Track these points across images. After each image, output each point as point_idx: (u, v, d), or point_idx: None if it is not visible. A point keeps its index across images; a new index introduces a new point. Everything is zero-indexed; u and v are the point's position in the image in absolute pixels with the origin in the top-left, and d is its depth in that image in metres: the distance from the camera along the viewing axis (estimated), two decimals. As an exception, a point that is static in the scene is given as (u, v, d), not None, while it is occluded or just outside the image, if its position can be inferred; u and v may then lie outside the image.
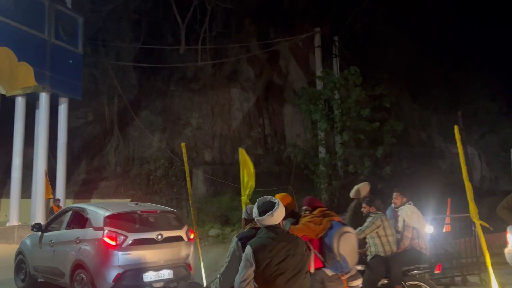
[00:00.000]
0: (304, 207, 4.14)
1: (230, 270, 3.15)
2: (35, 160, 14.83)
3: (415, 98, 22.93)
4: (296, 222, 3.89)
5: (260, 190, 15.29)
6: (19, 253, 8.03)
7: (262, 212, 2.88)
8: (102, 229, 6.14)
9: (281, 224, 3.04)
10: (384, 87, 13.44)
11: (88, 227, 6.45)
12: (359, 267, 4.69)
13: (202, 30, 20.32)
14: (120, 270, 5.98)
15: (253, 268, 2.78)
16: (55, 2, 15.08)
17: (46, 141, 14.78)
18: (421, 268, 5.11)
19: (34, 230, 7.61)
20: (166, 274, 6.32)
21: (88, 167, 17.77)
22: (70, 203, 16.14)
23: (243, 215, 3.59)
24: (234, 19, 20.66)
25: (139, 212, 6.65)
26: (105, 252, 6.04)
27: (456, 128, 4.97)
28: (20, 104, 14.93)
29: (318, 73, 15.09)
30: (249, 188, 6.46)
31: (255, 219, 2.99)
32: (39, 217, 14.18)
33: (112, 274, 5.95)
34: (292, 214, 3.96)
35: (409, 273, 5.08)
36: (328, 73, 14.14)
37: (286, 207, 3.31)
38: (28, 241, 7.93)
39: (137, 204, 7.12)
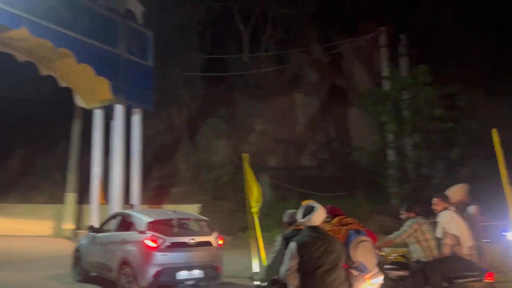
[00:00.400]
0: (325, 215, 4.36)
1: (275, 263, 3.77)
2: (111, 169, 15.83)
3: (491, 95, 21.44)
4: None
5: (326, 195, 15.17)
6: (76, 250, 9.43)
7: (304, 215, 3.50)
8: (144, 232, 7.32)
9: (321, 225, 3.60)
10: (457, 85, 12.74)
11: (133, 231, 7.64)
12: (402, 273, 5.05)
13: (264, 37, 20.58)
14: (159, 268, 7.06)
15: (297, 260, 3.33)
16: (127, 19, 16.09)
17: (122, 150, 15.73)
18: (467, 276, 4.81)
19: (89, 231, 9.10)
20: (197, 273, 7.31)
21: (160, 174, 18.63)
22: (145, 208, 17.06)
23: (284, 219, 4.29)
24: (295, 24, 20.70)
25: (175, 219, 7.82)
26: (147, 252, 7.18)
27: (494, 131, 4.74)
28: (98, 116, 16.05)
29: (385, 73, 14.68)
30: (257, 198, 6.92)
31: (298, 221, 3.59)
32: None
33: (152, 270, 7.07)
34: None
35: (454, 280, 4.82)
36: (396, 73, 13.68)
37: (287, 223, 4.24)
38: (84, 241, 9.36)
39: (174, 212, 8.23)
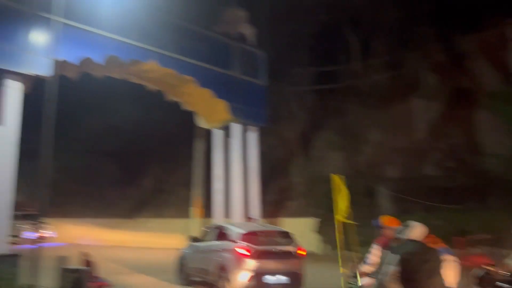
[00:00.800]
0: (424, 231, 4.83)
1: (379, 273, 4.14)
2: (230, 184, 16.66)
3: None
4: None
5: (455, 207, 13.91)
6: (181, 258, 10.83)
7: (405, 230, 3.97)
8: (238, 242, 8.63)
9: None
10: None
11: (228, 240, 8.95)
12: None
13: (375, 44, 19.93)
14: (250, 273, 8.25)
15: (399, 269, 3.71)
16: (240, 42, 17.02)
17: (240, 166, 16.52)
18: None
19: (192, 241, 10.50)
20: (282, 279, 8.40)
21: (276, 188, 19.04)
22: (264, 222, 17.55)
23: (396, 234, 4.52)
24: (409, 26, 19.65)
25: (263, 231, 9.12)
26: (240, 259, 8.42)
27: None
28: (218, 135, 17.12)
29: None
30: (344, 209, 7.71)
31: (401, 234, 3.99)
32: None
33: (245, 275, 8.26)
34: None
35: None
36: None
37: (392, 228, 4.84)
38: (187, 250, 10.77)
39: (262, 225, 9.93)
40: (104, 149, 26.99)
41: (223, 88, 15.91)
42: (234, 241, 8.74)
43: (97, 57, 12.40)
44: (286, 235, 9.15)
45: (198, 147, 19.88)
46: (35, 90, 12.08)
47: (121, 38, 12.93)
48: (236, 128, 16.48)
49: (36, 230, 8.94)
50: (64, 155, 27.25)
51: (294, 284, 8.51)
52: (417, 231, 3.93)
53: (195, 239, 10.51)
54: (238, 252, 8.47)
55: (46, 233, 24.37)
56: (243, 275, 8.27)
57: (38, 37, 11.04)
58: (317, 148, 19.35)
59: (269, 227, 10.04)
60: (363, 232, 11.58)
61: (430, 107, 18.83)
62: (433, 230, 6.69)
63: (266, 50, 18.06)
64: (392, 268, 3.72)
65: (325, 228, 15.73)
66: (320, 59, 20.75)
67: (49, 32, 10.92)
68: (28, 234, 21.65)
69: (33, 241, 11.47)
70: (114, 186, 25.51)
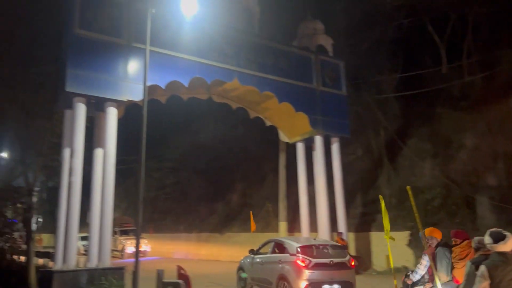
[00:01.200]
0: (453, 239, 5.41)
1: (467, 286, 4.12)
2: (317, 197, 16.46)
3: None
4: (450, 249, 5.52)
5: None
6: (240, 268, 11.98)
7: (496, 241, 3.84)
8: (296, 255, 9.60)
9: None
10: None
11: (287, 253, 9.96)
12: None
13: (465, 43, 18.58)
14: (308, 282, 9.20)
15: (488, 282, 3.70)
16: (319, 53, 16.95)
17: (324, 179, 16.26)
18: None
19: (250, 253, 11.53)
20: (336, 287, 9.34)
21: (363, 200, 18.40)
22: (351, 236, 17.02)
23: (473, 245, 4.67)
24: (503, 21, 18.04)
25: (317, 245, 9.91)
26: (299, 270, 9.40)
27: None
28: (300, 148, 17.08)
29: None
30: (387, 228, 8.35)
31: (488, 246, 3.94)
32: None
33: (303, 284, 9.21)
34: (443, 244, 5.66)
35: None
36: None
37: (436, 238, 5.65)
38: (245, 260, 11.83)
39: (315, 239, 10.64)
40: (193, 166, 28.41)
41: (304, 101, 15.92)
42: (292, 254, 9.73)
43: (183, 80, 13.14)
44: (338, 248, 10.25)
45: (282, 161, 20.00)
46: (126, 114, 13.17)
47: (203, 60, 13.59)
48: (318, 140, 16.33)
49: (134, 245, 9.59)
50: (157, 174, 29.21)
51: None
52: (510, 242, 3.84)
53: (253, 252, 11.53)
54: (297, 264, 9.46)
55: (143, 247, 26.24)
56: (302, 285, 9.22)
57: (132, 66, 12.06)
58: (406, 157, 18.37)
59: (323, 241, 10.97)
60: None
61: (534, 106, 16.96)
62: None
63: (346, 59, 17.77)
64: (479, 283, 3.76)
65: (416, 241, 14.79)
66: (404, 65, 19.86)
67: (140, 60, 11.87)
68: (129, 248, 23.43)
69: (132, 255, 12.32)
70: (204, 201, 26.62)
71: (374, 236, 16.62)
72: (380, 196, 8.03)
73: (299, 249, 9.60)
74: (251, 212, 17.74)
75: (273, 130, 18.29)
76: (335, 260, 9.61)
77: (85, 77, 11.19)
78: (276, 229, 19.77)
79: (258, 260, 11.08)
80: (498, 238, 3.84)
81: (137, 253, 9.17)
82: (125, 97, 11.79)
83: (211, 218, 25.54)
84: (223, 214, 25.06)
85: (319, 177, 16.27)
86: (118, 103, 11.86)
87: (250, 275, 11.29)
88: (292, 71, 15.84)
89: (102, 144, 11.63)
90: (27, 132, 12.61)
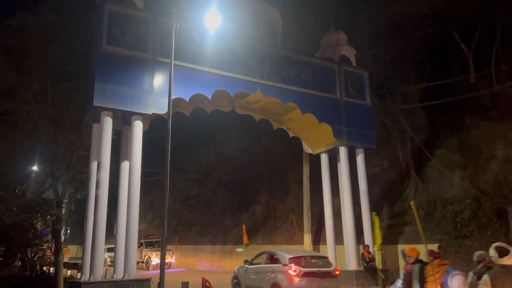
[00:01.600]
0: (429, 257, 6.25)
1: None
2: (342, 209, 16.23)
3: None
4: (423, 266, 6.23)
5: None
6: (235, 277, 13.16)
7: (500, 255, 4.29)
8: (287, 265, 10.85)
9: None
10: None
11: (279, 263, 11.18)
12: None
13: (494, 51, 18.12)
14: None
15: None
16: (342, 64, 16.86)
17: (349, 190, 16.03)
18: None
19: (245, 264, 12.75)
20: None
21: (390, 213, 18.02)
22: (380, 247, 16.63)
23: (474, 259, 5.38)
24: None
25: (306, 256, 11.32)
26: (290, 278, 10.62)
27: None
28: (324, 160, 16.93)
29: None
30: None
31: (492, 259, 4.40)
32: (352, 261, 15.18)
33: None
34: (418, 261, 6.35)
35: None
36: None
37: (412, 256, 6.43)
38: (240, 270, 13.03)
39: (304, 251, 12.84)
40: (217, 178, 28.56)
41: (327, 112, 15.82)
42: (284, 264, 10.93)
43: (206, 93, 13.29)
44: (325, 258, 11.71)
45: (306, 173, 19.86)
46: (151, 127, 13.39)
47: (226, 73, 13.73)
48: (343, 152, 16.15)
49: (160, 256, 9.65)
50: (182, 185, 29.46)
51: None
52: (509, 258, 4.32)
53: (248, 262, 12.73)
54: (288, 273, 10.64)
55: (168, 259, 26.39)
56: None
57: (157, 80, 12.30)
58: (434, 168, 17.92)
59: (311, 252, 12.40)
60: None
61: None
62: None
63: (370, 69, 17.61)
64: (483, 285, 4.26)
65: (449, 255, 14.33)
66: (431, 74, 19.51)
67: (165, 74, 12.09)
68: (155, 260, 23.62)
69: (158, 267, 12.40)
70: (228, 213, 26.66)
71: (401, 249, 16.21)
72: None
73: (290, 260, 10.88)
74: (243, 226, 18.42)
75: (296, 142, 18.22)
76: (322, 269, 11.01)
77: (112, 92, 11.47)
78: (300, 241, 19.56)
79: (252, 269, 12.29)
80: (503, 253, 4.31)
81: (162, 265, 9.22)
82: (150, 110, 12.00)
83: (235, 230, 25.50)
84: (247, 226, 25.01)
85: (344, 188, 16.06)
86: (143, 117, 12.09)
87: (244, 283, 12.42)
88: (315, 82, 15.80)
89: (128, 157, 11.84)
90: (56, 145, 12.98)
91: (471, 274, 4.85)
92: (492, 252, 4.41)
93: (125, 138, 12.17)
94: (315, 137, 16.87)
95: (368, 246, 15.39)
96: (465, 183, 16.75)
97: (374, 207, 16.94)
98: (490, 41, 18.52)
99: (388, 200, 18.55)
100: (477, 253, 5.46)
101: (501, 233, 14.47)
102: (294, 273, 10.57)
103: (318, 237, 19.24)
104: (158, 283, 9.22)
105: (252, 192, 25.67)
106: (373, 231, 14.40)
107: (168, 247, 24.42)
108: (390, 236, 17.19)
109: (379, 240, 13.77)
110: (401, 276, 6.57)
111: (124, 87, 11.71)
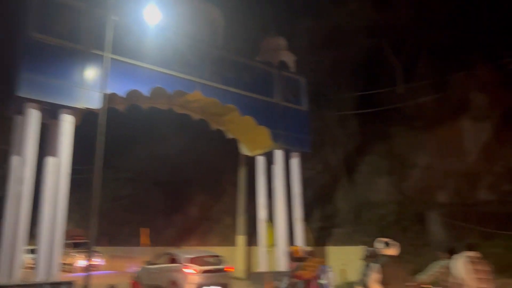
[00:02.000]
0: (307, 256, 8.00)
1: (362, 279, 5.91)
2: (275, 211, 16.47)
3: None
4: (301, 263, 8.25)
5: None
6: (137, 277, 13.84)
7: (385, 247, 5.56)
8: (185, 265, 11.91)
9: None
10: None
11: (178, 263, 12.16)
12: None
13: (420, 66, 19.47)
14: (195, 286, 11.55)
15: (380, 275, 5.33)
16: (281, 69, 17.19)
17: (283, 193, 16.34)
18: None
19: (147, 264, 13.59)
20: None
21: (321, 215, 18.65)
22: (310, 249, 17.11)
23: (367, 253, 6.58)
24: (456, 46, 19.10)
25: (202, 256, 12.48)
26: (188, 276, 11.73)
27: None
28: (260, 162, 17.12)
29: None
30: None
31: (379, 250, 5.58)
32: (283, 262, 15.48)
33: (191, 287, 11.58)
34: (299, 259, 7.94)
35: None
36: None
37: (295, 255, 8.84)
38: (141, 270, 13.89)
39: (201, 251, 13.60)
40: (151, 178, 27.79)
41: (266, 115, 16.02)
42: (183, 264, 11.94)
43: (143, 89, 12.90)
44: (218, 257, 12.77)
45: (242, 174, 19.96)
46: (84, 122, 12.74)
47: (166, 70, 13.43)
48: (279, 155, 16.44)
49: (87, 258, 9.18)
50: (113, 185, 28.32)
51: None
52: (392, 249, 5.55)
53: (149, 262, 13.63)
54: (185, 272, 11.75)
55: (96, 261, 25.20)
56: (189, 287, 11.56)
57: (90, 73, 11.70)
58: (363, 174, 18.87)
59: (208, 252, 13.42)
60: (414, 261, 11.02)
61: (481, 128, 17.98)
62: (491, 258, 6.33)
63: (308, 76, 18.10)
64: (374, 274, 5.36)
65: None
66: (363, 84, 20.53)
67: (99, 67, 11.55)
68: (81, 262, 22.41)
69: (84, 269, 11.79)
70: (161, 214, 26.04)
71: (331, 250, 16.83)
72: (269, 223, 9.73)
73: (187, 259, 12.01)
74: (141, 228, 18.61)
75: (234, 143, 18.26)
76: (215, 267, 12.25)
77: (39, 83, 10.74)
78: (234, 243, 19.61)
79: (153, 269, 13.19)
80: (387, 245, 5.54)
81: (88, 267, 8.79)
82: (81, 104, 11.40)
83: (168, 231, 25.00)
84: (181, 227, 24.62)
85: (278, 191, 16.33)
86: (74, 111, 11.44)
87: (146, 282, 13.30)
88: (254, 85, 15.95)
89: (55, 153, 11.14)
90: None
91: (363, 263, 6.26)
92: (378, 245, 5.58)
93: (53, 133, 11.44)
94: (253, 139, 17.01)
95: (299, 247, 15.75)
96: (390, 188, 17.81)
97: (307, 210, 17.43)
98: (417, 57, 19.88)
99: (320, 203, 19.19)
100: (369, 249, 6.66)
101: (421, 236, 15.54)
102: (190, 271, 11.75)
103: (253, 239, 19.40)
104: (84, 286, 8.77)
105: (186, 193, 25.32)
106: (267, 235, 16.24)
107: (97, 248, 23.31)
108: (320, 238, 17.80)
109: (270, 242, 16.07)
110: (286, 273, 7.72)
111: (53, 79, 11.00)
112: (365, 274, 5.77)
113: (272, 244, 15.56)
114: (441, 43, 19.13)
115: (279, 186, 16.32)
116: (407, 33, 19.67)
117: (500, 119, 17.94)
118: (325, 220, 18.64)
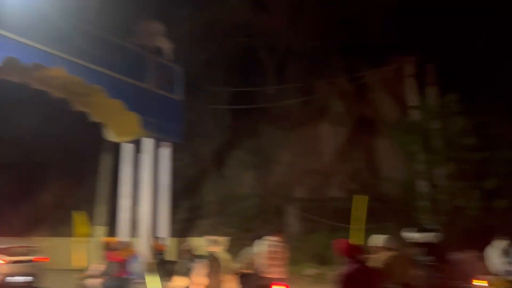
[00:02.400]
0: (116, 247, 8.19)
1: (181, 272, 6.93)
2: (139, 201, 15.92)
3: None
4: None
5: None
6: None
7: (210, 244, 6.22)
8: None
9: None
10: (489, 114, 12.42)
11: None
12: None
13: (289, 70, 20.81)
14: (3, 276, 11.81)
15: (208, 270, 5.93)
16: (156, 55, 16.63)
17: (151, 183, 15.89)
18: None
19: None
20: (27, 278, 12.25)
21: (188, 206, 18.66)
22: (174, 241, 16.98)
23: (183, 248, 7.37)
24: (322, 55, 20.87)
25: (15, 246, 12.87)
26: None
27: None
28: (127, 150, 16.36)
29: (412, 103, 14.48)
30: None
31: (205, 247, 6.19)
32: (145, 253, 15.06)
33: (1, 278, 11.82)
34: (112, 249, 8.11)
35: None
36: (425, 103, 13.48)
37: (110, 246, 8.23)
38: None
39: (17, 242, 13.74)
40: (-3, 159, 24.36)
41: (136, 100, 15.32)
42: None
43: (-8, 58, 11.23)
44: (30, 248, 13.24)
45: (105, 161, 18.79)
46: None
47: (23, 40, 11.89)
48: (148, 143, 15.90)
49: None
50: None
51: (35, 282, 12.50)
52: (218, 247, 6.01)
53: None
54: None
55: None
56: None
57: None
58: (230, 167, 19.43)
59: (21, 243, 13.71)
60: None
61: (337, 132, 20.01)
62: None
63: (183, 66, 17.85)
64: (200, 268, 5.75)
65: (237, 247, 15.68)
66: (237, 80, 21.07)
67: None
68: None
69: None
70: (8, 201, 23.02)
71: (197, 241, 16.90)
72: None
73: None
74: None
75: (99, 127, 17.07)
76: (26, 257, 12.61)
77: None
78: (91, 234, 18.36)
79: None
80: (212, 243, 6.07)
81: None
82: None
83: (14, 220, 22.25)
84: (31, 216, 22.15)
85: (145, 180, 15.82)
86: None
87: None
88: (126, 68, 15.12)
89: None
90: None
91: (196, 259, 6.54)
92: (205, 242, 6.04)
93: None
94: (120, 125, 16.10)
95: (158, 238, 15.48)
96: (255, 182, 18.70)
97: (174, 200, 17.25)
98: (287, 61, 21.19)
99: (187, 194, 19.18)
100: (185, 244, 7.48)
101: (280, 228, 16.64)
102: (1, 262, 12.00)
103: (114, 230, 18.46)
104: None
105: (40, 178, 22.86)
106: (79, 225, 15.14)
107: None
108: (185, 229, 17.81)
109: (82, 231, 14.96)
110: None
111: None
112: (188, 269, 6.15)
113: (86, 235, 15.06)
114: (309, 51, 20.73)
115: (146, 176, 15.81)
116: (280, 38, 20.80)
117: (352, 126, 20.22)
118: (192, 212, 18.71)
